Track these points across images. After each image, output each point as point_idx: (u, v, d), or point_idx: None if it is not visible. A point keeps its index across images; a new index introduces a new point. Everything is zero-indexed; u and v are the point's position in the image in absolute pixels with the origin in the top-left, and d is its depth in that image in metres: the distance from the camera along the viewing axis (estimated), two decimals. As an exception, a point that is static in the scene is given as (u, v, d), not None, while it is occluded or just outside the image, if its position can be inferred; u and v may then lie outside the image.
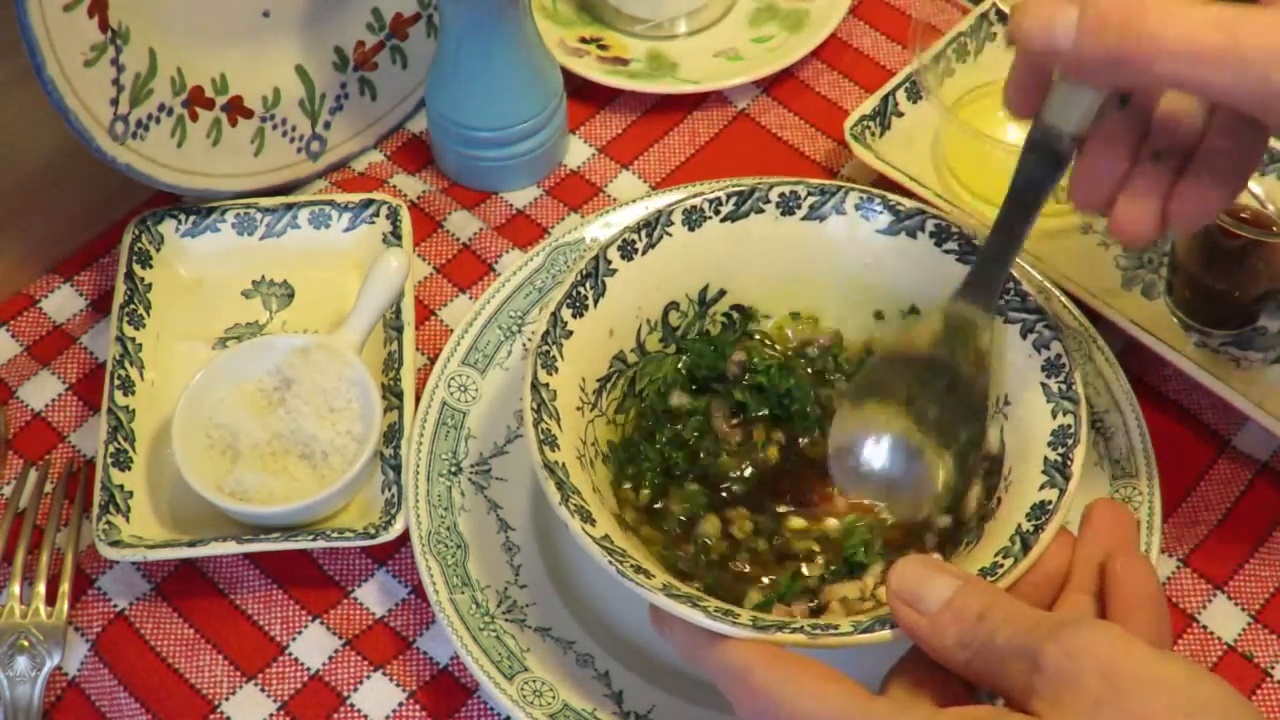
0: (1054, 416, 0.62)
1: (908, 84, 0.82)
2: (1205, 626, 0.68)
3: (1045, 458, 0.61)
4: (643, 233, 0.68)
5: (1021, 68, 0.58)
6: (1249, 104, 0.51)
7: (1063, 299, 0.73)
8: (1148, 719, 0.47)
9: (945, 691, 0.53)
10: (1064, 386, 0.62)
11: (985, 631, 0.52)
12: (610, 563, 0.58)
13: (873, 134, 0.81)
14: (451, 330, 0.75)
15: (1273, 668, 0.67)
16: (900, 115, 0.82)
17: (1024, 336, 0.65)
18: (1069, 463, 0.60)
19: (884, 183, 0.79)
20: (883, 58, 0.89)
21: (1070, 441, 0.61)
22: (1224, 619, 0.68)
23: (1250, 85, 0.50)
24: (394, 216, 0.78)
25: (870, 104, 0.81)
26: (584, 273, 0.67)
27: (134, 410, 0.72)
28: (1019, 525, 0.59)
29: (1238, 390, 0.70)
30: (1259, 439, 0.73)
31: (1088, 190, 0.58)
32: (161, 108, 0.74)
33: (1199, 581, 0.69)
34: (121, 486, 0.69)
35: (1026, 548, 0.58)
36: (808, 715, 0.52)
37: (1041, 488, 0.60)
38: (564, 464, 0.61)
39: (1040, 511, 0.59)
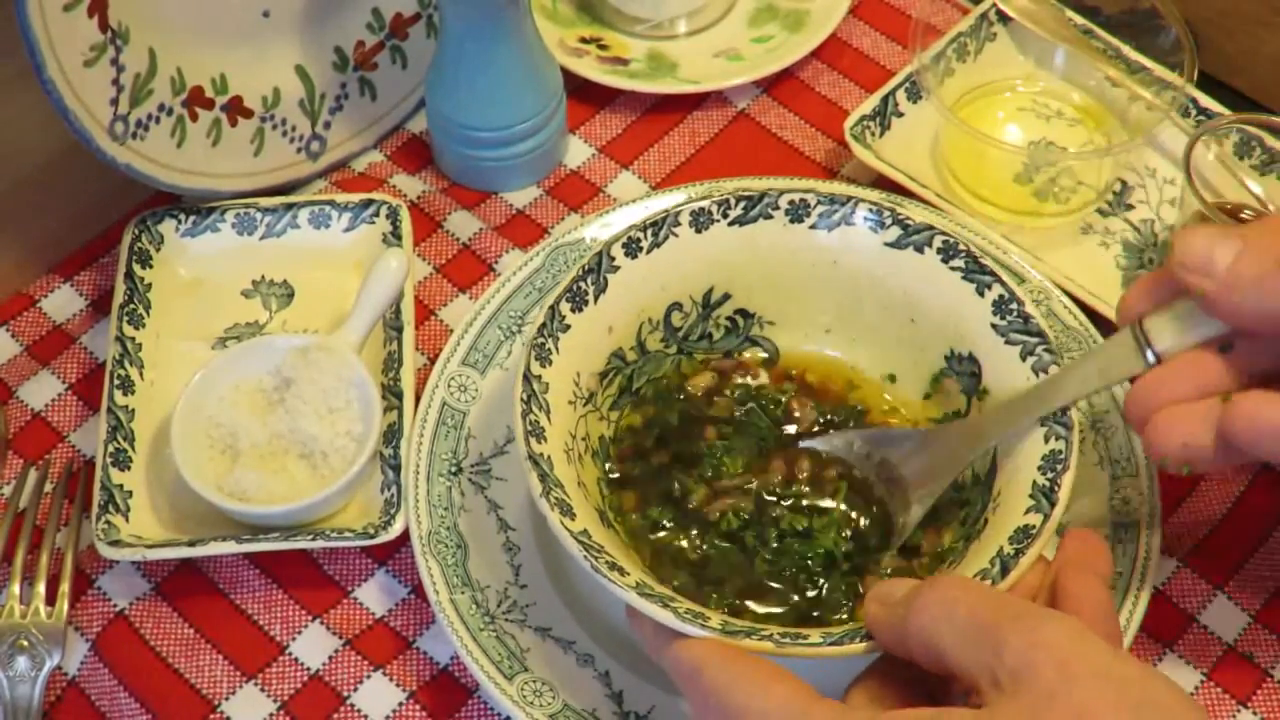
0: (1046, 441, 0.61)
1: (908, 84, 0.82)
2: (1205, 626, 0.68)
3: (1034, 481, 0.60)
4: (649, 231, 0.68)
5: (1157, 278, 0.59)
6: None
7: (1063, 299, 0.73)
8: (1093, 711, 0.47)
9: (905, 704, 0.53)
10: (1059, 411, 0.62)
11: (948, 606, 0.51)
12: (585, 557, 0.58)
13: (873, 134, 0.81)
14: (451, 330, 0.75)
15: (1273, 668, 0.67)
16: (900, 115, 0.82)
17: (1024, 359, 0.64)
18: (1056, 489, 0.60)
19: (884, 183, 0.79)
20: (883, 58, 0.89)
21: (1060, 467, 0.60)
22: (1224, 619, 0.68)
23: None
24: (394, 216, 0.78)
25: (870, 104, 0.81)
26: (586, 268, 0.66)
27: (134, 410, 0.72)
28: (1001, 548, 0.59)
29: (1238, 390, 0.70)
30: (1259, 439, 0.73)
31: (1143, 402, 0.57)
32: (161, 108, 0.74)
33: (1199, 581, 0.69)
34: (121, 486, 0.69)
35: (1005, 571, 0.57)
36: (750, 709, 0.52)
37: (1027, 511, 0.60)
38: (549, 456, 0.61)
39: (1023, 536, 0.59)
